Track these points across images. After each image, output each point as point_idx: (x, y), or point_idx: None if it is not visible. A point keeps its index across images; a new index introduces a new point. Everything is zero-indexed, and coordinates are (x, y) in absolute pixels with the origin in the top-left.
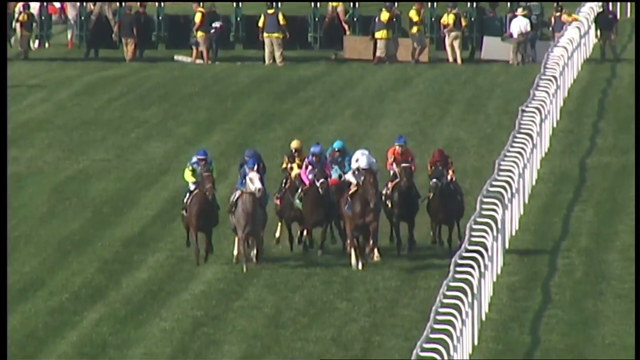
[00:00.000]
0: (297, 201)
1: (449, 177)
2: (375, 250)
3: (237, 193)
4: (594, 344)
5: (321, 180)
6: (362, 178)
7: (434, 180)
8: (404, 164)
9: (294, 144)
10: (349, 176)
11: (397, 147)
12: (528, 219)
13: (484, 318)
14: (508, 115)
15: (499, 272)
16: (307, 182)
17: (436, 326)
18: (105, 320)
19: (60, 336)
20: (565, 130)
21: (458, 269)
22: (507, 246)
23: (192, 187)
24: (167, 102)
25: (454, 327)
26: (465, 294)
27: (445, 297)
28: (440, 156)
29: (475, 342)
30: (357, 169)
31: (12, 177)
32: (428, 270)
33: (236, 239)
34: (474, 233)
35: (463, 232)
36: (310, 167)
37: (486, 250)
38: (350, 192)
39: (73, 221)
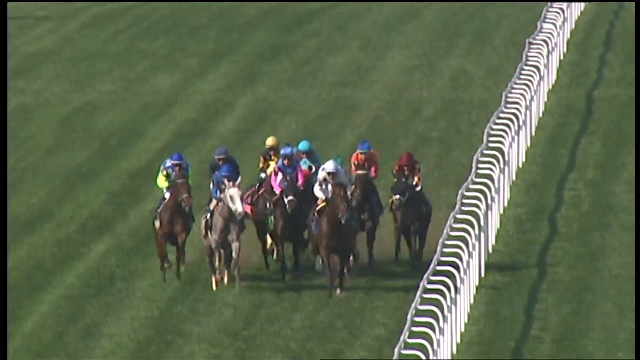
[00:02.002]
0: (270, 217)
1: (414, 183)
2: (339, 280)
3: (212, 203)
4: (601, 276)
5: (289, 197)
6: (331, 192)
7: (397, 196)
8: (359, 172)
9: (270, 141)
10: (316, 190)
11: (360, 154)
12: (535, 151)
13: (490, 250)
14: (515, 47)
15: (506, 204)
16: (277, 190)
17: (443, 259)
18: (113, 252)
19: (68, 268)
20: (572, 62)
21: (465, 201)
22: (513, 178)
23: (166, 194)
24: (174, 34)
25: (460, 259)
26: (472, 226)
27: (452, 229)
28: (408, 160)
29: (482, 274)
30: (324, 179)
31: (19, 108)
32: (435, 202)
33: (215, 257)
34: (480, 165)
35: (431, 247)
36: (281, 175)
37: (493, 182)
38: (317, 208)
39: (80, 153)
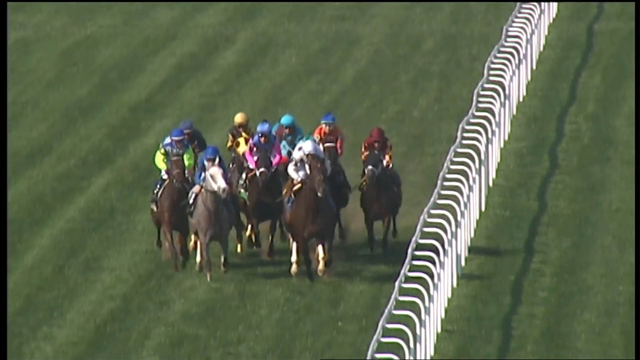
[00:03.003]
0: (242, 190)
1: (385, 163)
2: (322, 262)
3: (196, 189)
4: (601, 209)
5: (261, 169)
6: (307, 167)
7: (370, 167)
8: (328, 144)
9: (238, 118)
10: (290, 169)
11: (324, 126)
12: (535, 85)
13: (491, 184)
14: None
15: (506, 138)
16: (253, 165)
17: (443, 192)
18: (113, 185)
19: (68, 201)
20: None
21: (465, 135)
22: (514, 112)
23: (164, 175)
24: None
25: (461, 193)
26: (473, 160)
27: (453, 163)
28: (378, 136)
29: (483, 208)
30: (300, 159)
31: (19, 42)
32: (435, 136)
33: (198, 244)
34: (481, 99)
35: (399, 228)
36: (255, 150)
37: (493, 116)
38: (293, 188)
39: (80, 87)
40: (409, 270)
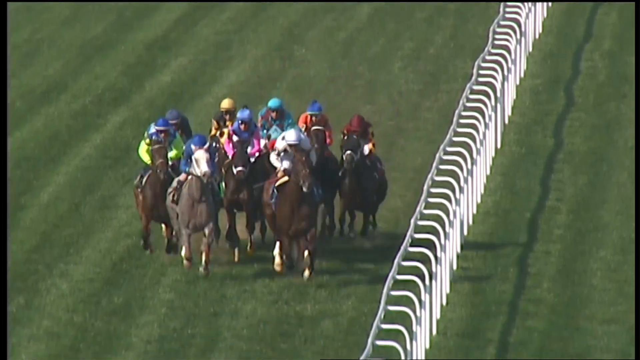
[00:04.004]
0: (221, 184)
1: (366, 150)
2: (307, 268)
3: (182, 177)
4: (617, 146)
5: (239, 168)
6: (292, 159)
7: (349, 152)
8: (315, 127)
9: (225, 103)
10: (272, 158)
11: (309, 116)
12: (551, 22)
13: (507, 121)
14: None
15: (522, 75)
16: (230, 155)
17: (459, 130)
18: (129, 123)
19: (84, 139)
20: None
21: (481, 72)
22: (530, 49)
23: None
24: None
25: (477, 130)
26: (489, 97)
27: (469, 100)
28: (358, 124)
29: (498, 146)
30: (284, 149)
31: None
32: (451, 73)
33: (183, 236)
34: (497, 36)
35: (379, 221)
36: (235, 138)
37: (509, 53)
38: (277, 182)
39: (96, 25)
40: (425, 208)
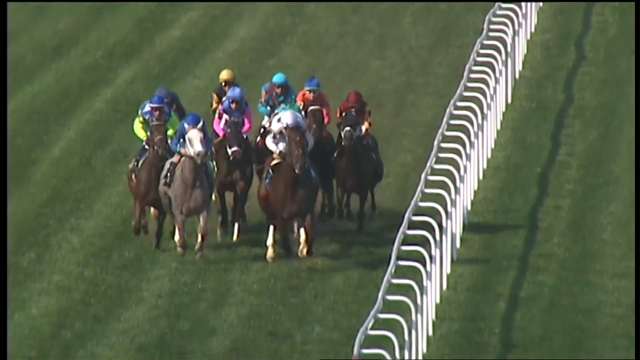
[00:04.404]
0: (212, 164)
1: (364, 129)
2: (305, 247)
3: (175, 158)
4: (627, 101)
5: (234, 148)
6: (287, 140)
7: (347, 128)
8: (312, 107)
9: (224, 74)
10: (268, 141)
11: (307, 92)
12: None
13: (517, 76)
14: None
15: (533, 30)
16: (220, 134)
17: (470, 84)
18: (139, 78)
19: (95, 93)
20: None
21: (492, 27)
22: (540, 4)
23: (146, 145)
24: None
25: (487, 85)
26: (499, 52)
27: (479, 55)
28: (356, 101)
29: (509, 100)
30: (280, 131)
31: None
32: (462, 28)
33: (177, 221)
34: None
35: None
36: (225, 117)
37: (520, 8)
38: (272, 163)
39: None
40: (435, 163)
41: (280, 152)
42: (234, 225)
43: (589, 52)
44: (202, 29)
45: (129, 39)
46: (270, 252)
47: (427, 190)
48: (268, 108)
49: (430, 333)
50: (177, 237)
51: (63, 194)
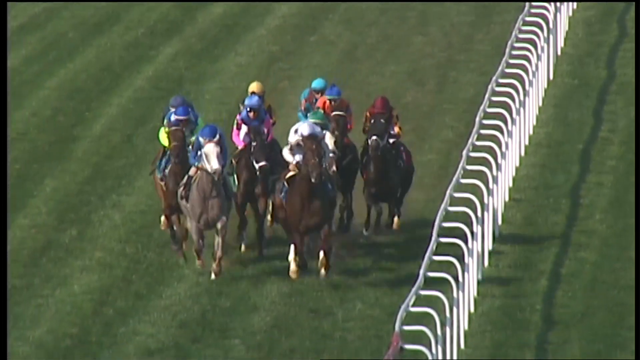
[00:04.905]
0: (232, 177)
1: (394, 132)
2: (322, 256)
3: (192, 171)
4: None
5: (262, 163)
6: (303, 149)
7: (374, 137)
8: (336, 113)
9: (254, 86)
10: (285, 153)
11: (327, 100)
12: None
13: (559, 53)
14: None
15: (575, 6)
16: (240, 145)
17: (511, 61)
18: (181, 55)
19: (136, 70)
20: None
21: (534, 3)
22: None
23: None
24: None
25: (529, 62)
26: (541, 28)
27: (521, 32)
28: (382, 106)
29: (551, 77)
30: (297, 143)
31: None
32: (503, 5)
33: (194, 233)
34: None
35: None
36: (245, 128)
37: None
38: (287, 175)
39: None
40: (476, 140)
41: (297, 162)
42: (260, 241)
43: (630, 28)
44: (244, 6)
45: (170, 16)
46: (293, 268)
47: (469, 167)
48: (306, 117)
49: (472, 310)
50: (195, 250)
51: (104, 171)
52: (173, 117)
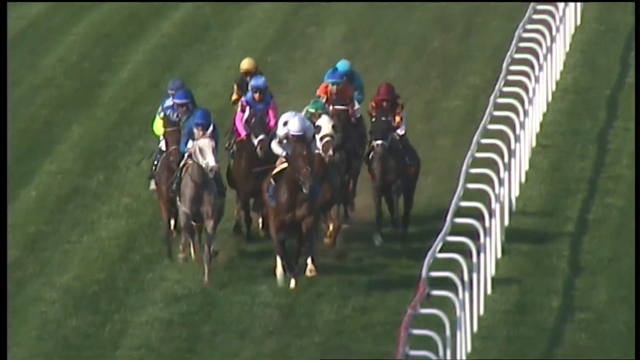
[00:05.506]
0: (231, 161)
1: (394, 124)
2: (310, 262)
3: (182, 161)
4: None
5: (260, 136)
6: (292, 152)
7: (379, 142)
8: (337, 108)
9: (245, 64)
10: (274, 145)
11: (329, 85)
12: None
13: None
14: None
15: None
16: (241, 133)
17: (539, 7)
18: (208, 1)
19: (163, 16)
20: None
21: None
22: None
23: (163, 145)
24: None
25: (556, 7)
26: None
27: None
28: (387, 93)
29: (578, 23)
30: (286, 136)
31: None
32: None
33: (186, 229)
34: None
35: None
36: (248, 110)
37: None
38: (274, 171)
39: None
40: (504, 86)
41: (287, 154)
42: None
43: None
44: None
45: None
46: (279, 272)
47: (496, 113)
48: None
49: (499, 255)
50: (182, 240)
51: (131, 117)
52: (170, 102)
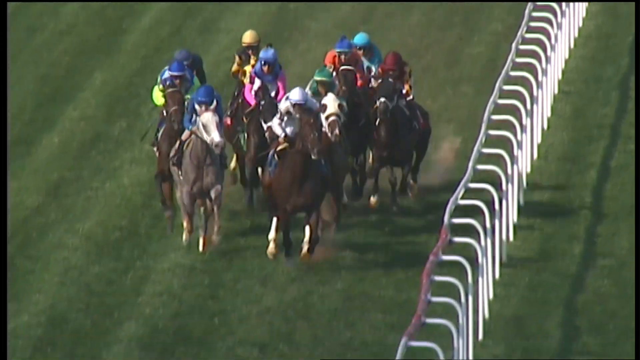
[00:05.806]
0: (241, 135)
1: (404, 92)
2: (306, 246)
3: (185, 135)
4: None
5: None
6: (298, 122)
7: (383, 100)
8: (344, 67)
9: (247, 37)
10: (275, 125)
11: (337, 54)
12: None
13: None
14: None
15: None
16: (251, 103)
17: None
18: None
19: None
20: None
21: None
22: None
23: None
24: None
25: None
26: None
27: None
28: (393, 63)
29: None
30: (287, 111)
31: None
32: None
33: (186, 203)
34: None
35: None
36: (257, 82)
37: None
38: (277, 147)
39: None
40: (526, 33)
41: (286, 136)
42: None
43: None
44: None
45: None
46: (271, 247)
47: (518, 60)
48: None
49: (522, 202)
50: (185, 223)
51: (153, 64)
52: (167, 74)
